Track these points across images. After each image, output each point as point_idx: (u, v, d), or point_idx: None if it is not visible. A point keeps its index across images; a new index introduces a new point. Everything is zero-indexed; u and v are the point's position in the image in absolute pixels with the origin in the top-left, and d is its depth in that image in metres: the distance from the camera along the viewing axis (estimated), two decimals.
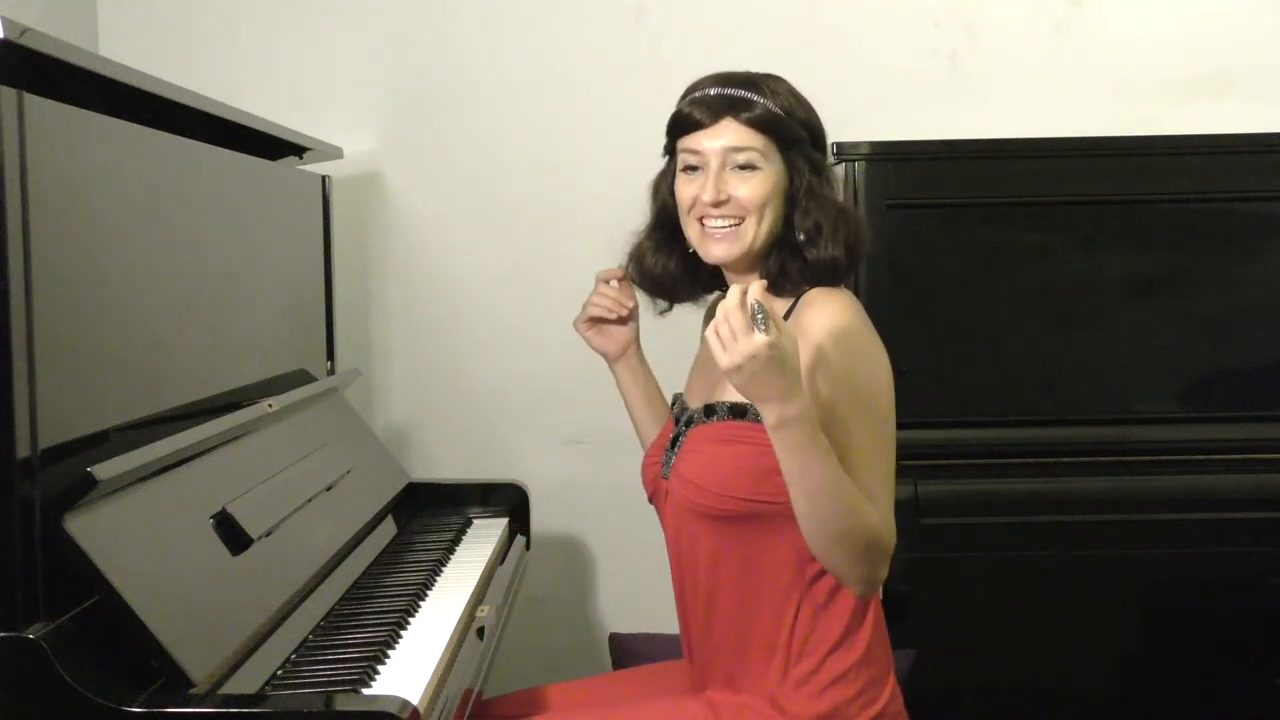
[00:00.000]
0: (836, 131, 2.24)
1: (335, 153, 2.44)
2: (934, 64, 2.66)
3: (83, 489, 1.31)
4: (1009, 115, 2.60)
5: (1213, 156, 2.32)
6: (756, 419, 1.56)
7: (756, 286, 1.42)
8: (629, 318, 1.89)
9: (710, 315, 1.89)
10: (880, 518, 1.53)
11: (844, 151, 2.27)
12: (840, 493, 1.47)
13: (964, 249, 2.33)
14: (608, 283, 1.87)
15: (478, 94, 2.70)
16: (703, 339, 1.87)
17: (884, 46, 2.65)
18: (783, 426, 1.44)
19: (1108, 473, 2.28)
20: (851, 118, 2.48)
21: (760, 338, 1.39)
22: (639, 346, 1.93)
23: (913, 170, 2.32)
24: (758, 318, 1.39)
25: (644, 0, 2.67)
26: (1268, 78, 2.61)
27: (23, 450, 1.27)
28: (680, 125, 1.65)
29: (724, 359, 1.41)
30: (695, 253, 1.69)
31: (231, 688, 1.40)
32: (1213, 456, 2.29)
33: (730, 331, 1.40)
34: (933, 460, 2.26)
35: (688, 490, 1.62)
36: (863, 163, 2.27)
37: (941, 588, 2.19)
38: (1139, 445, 2.30)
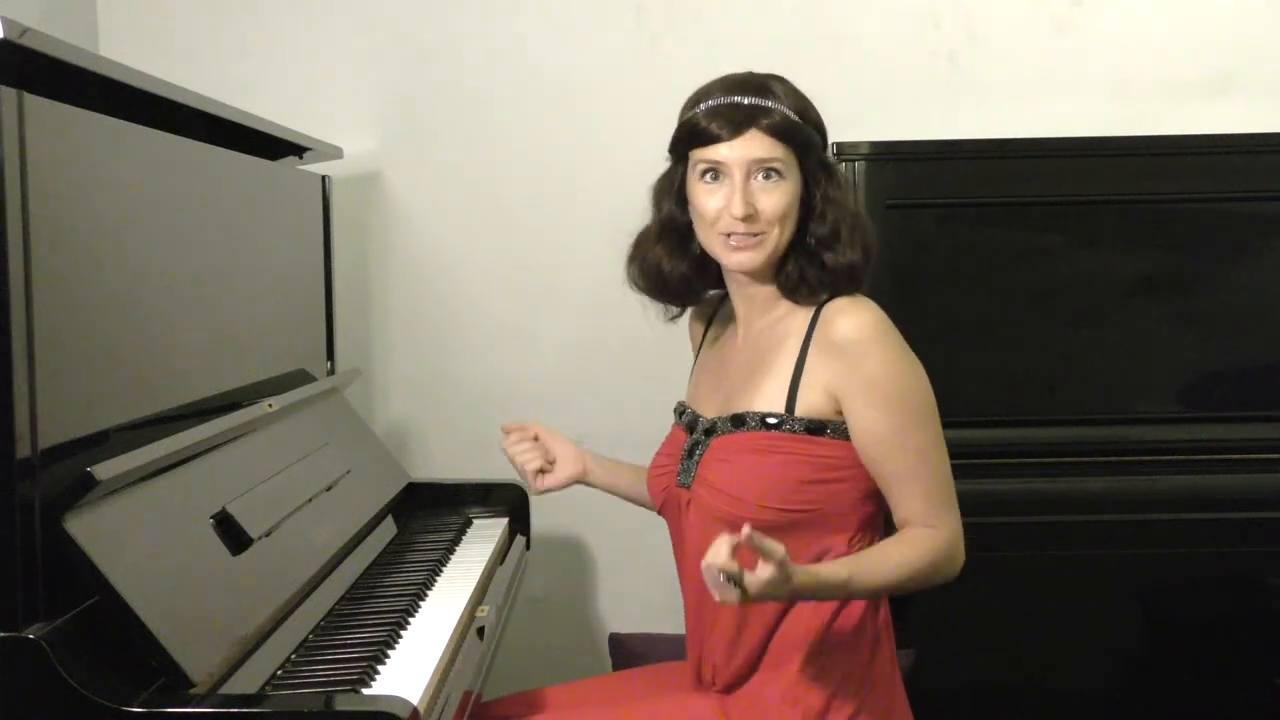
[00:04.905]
0: (836, 131, 2.23)
1: (335, 153, 2.44)
2: (934, 64, 2.65)
3: (83, 489, 1.31)
4: (1009, 115, 2.60)
5: (1213, 156, 2.31)
6: (789, 429, 1.58)
7: (725, 547, 1.36)
8: (548, 447, 1.92)
9: (705, 321, 1.87)
10: (941, 531, 1.59)
11: (844, 151, 2.27)
12: (885, 577, 1.55)
13: (964, 249, 2.33)
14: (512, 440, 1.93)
15: (478, 94, 2.69)
16: (699, 351, 1.86)
17: (884, 46, 2.65)
18: (810, 595, 1.52)
19: (1108, 473, 2.28)
20: (851, 118, 2.47)
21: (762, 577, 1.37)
22: (590, 455, 1.93)
23: (913, 170, 2.32)
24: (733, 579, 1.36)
25: (644, 0, 2.67)
26: (1268, 78, 2.61)
27: (23, 450, 1.26)
28: (697, 137, 1.61)
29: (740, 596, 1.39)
30: (703, 254, 1.69)
31: (231, 688, 1.40)
32: (1213, 456, 2.28)
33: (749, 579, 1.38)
34: None
35: (720, 500, 1.61)
36: (863, 163, 2.27)
37: (941, 588, 2.18)
38: (1139, 445, 2.30)
